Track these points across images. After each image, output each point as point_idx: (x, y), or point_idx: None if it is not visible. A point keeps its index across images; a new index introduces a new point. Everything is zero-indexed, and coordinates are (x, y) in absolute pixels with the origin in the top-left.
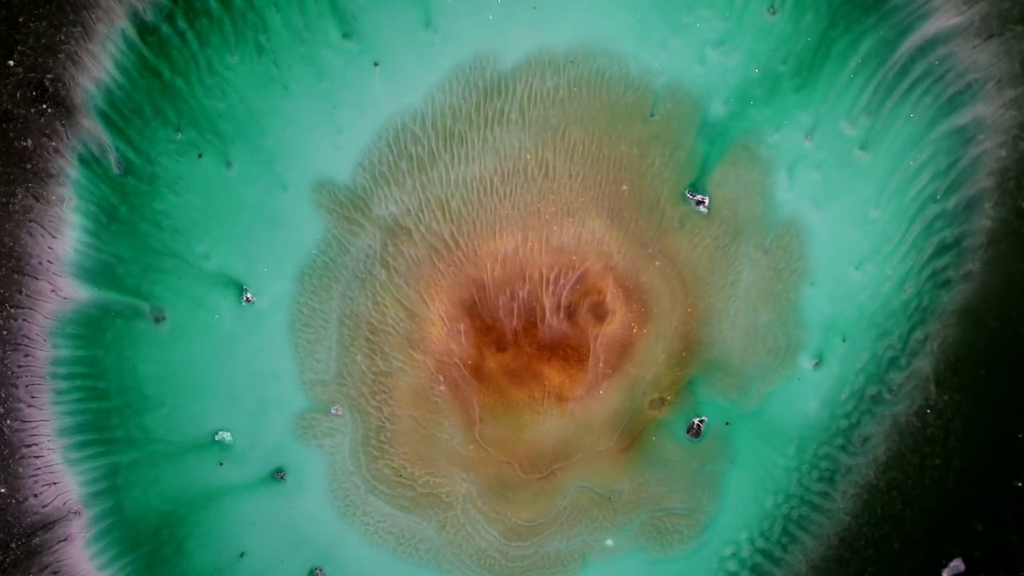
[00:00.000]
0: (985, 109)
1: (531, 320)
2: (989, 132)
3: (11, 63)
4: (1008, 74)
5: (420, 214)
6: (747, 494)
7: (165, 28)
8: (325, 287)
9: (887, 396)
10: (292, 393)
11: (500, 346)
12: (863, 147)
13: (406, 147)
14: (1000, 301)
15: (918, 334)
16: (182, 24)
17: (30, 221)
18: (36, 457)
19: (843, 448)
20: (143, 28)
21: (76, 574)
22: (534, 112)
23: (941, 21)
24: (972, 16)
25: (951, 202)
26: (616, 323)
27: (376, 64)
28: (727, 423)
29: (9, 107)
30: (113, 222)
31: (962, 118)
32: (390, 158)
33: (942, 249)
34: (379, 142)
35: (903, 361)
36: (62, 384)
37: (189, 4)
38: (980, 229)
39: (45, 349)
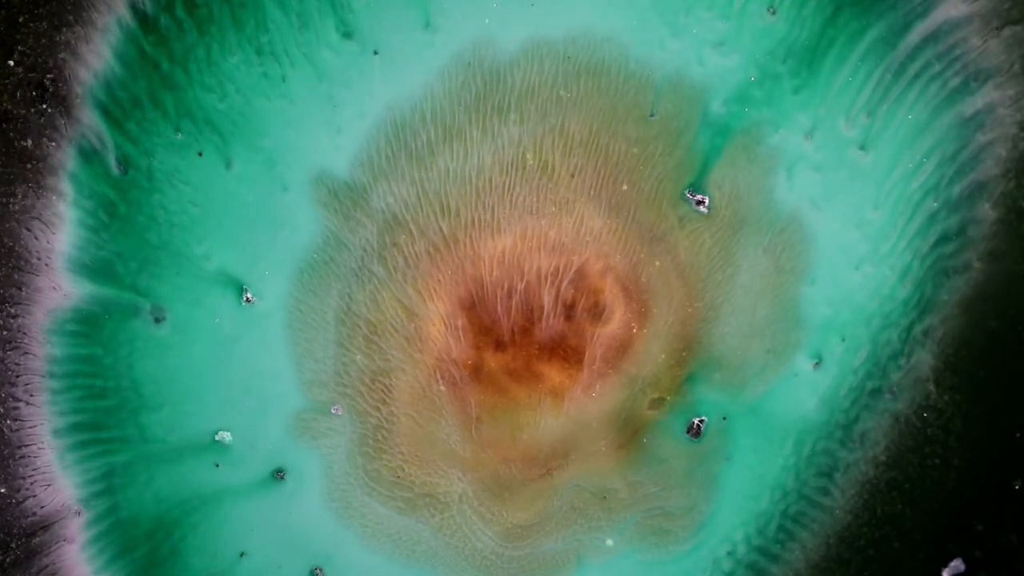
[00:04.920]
0: (984, 108)
1: (530, 319)
2: (988, 131)
3: (11, 63)
4: (1008, 73)
5: (418, 210)
6: (744, 491)
7: (164, 18)
8: (324, 286)
9: (887, 396)
10: (291, 393)
11: (499, 346)
12: (862, 147)
13: (405, 141)
14: (1000, 300)
15: (917, 331)
16: (181, 14)
17: (30, 219)
18: (34, 457)
19: (842, 443)
20: (142, 18)
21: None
22: (532, 106)
23: (941, 17)
24: (972, 14)
25: (954, 191)
26: (615, 322)
27: (376, 53)
28: (724, 418)
29: (9, 107)
30: (113, 219)
31: (961, 114)
32: (389, 153)
33: (944, 239)
34: (378, 137)
35: (903, 360)
36: (60, 383)
37: None
38: (980, 224)
39: (44, 347)
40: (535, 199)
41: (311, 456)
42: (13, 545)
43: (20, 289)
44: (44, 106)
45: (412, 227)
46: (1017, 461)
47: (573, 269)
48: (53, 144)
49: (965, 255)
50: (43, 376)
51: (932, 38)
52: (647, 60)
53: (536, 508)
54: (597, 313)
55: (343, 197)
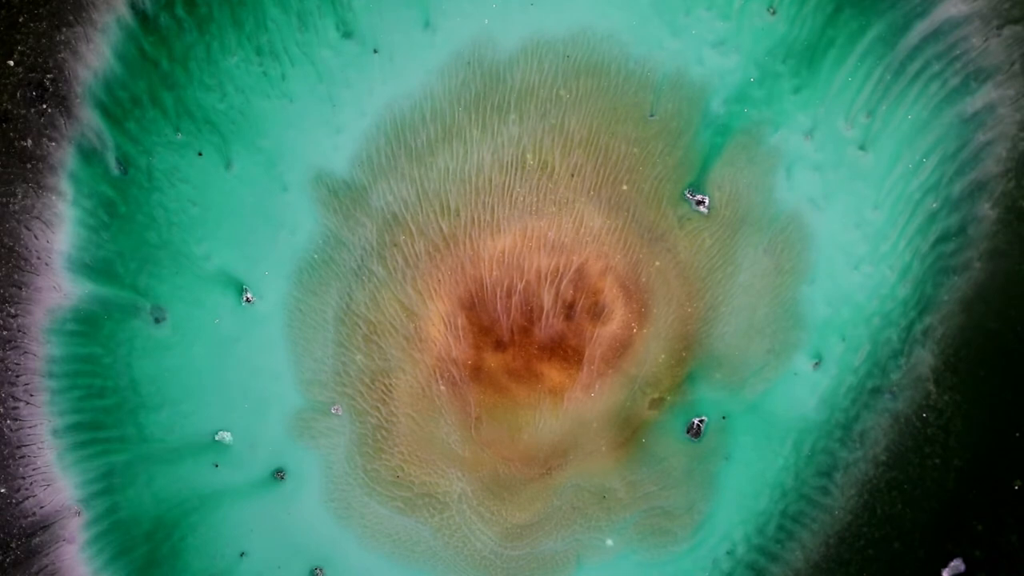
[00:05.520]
0: (984, 107)
1: (530, 319)
2: (988, 130)
3: (11, 63)
4: (1008, 73)
5: (418, 209)
6: (744, 490)
7: (164, 17)
8: (323, 286)
9: (887, 395)
10: (290, 393)
11: (499, 345)
12: (862, 147)
13: (405, 141)
14: (1000, 300)
15: (917, 331)
16: (181, 13)
17: (30, 219)
18: (34, 457)
19: (842, 443)
20: (142, 18)
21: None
22: (532, 106)
23: (941, 17)
24: (972, 14)
25: (954, 190)
26: (615, 322)
27: (376, 52)
28: (724, 417)
29: (9, 107)
30: (113, 219)
31: (962, 113)
32: (389, 152)
33: (944, 238)
34: (378, 136)
35: (903, 360)
36: (60, 383)
37: None
38: (980, 223)
39: (44, 346)
40: (535, 199)
41: (311, 456)
42: (13, 545)
43: (20, 289)
44: (44, 106)
45: (412, 227)
46: (1017, 461)
47: (573, 269)
48: (53, 144)
49: (965, 254)
50: (43, 376)
51: (932, 37)
52: (647, 60)
53: (535, 508)
54: (597, 313)
55: (343, 196)
